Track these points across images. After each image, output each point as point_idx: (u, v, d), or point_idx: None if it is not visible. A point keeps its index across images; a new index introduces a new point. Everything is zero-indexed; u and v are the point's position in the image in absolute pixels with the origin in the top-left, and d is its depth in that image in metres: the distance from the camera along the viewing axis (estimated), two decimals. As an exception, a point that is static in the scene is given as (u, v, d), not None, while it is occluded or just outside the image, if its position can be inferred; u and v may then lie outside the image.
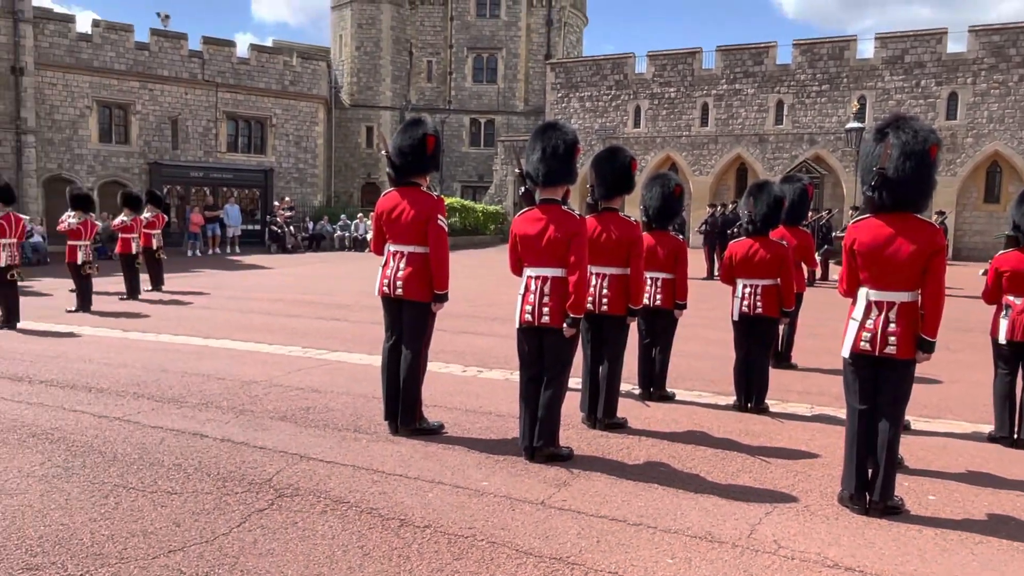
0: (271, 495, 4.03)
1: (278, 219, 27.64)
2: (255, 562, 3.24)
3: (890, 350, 3.95)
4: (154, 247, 14.00)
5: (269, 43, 35.11)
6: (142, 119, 28.52)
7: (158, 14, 31.35)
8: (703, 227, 20.28)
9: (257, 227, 28.92)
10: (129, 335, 9.31)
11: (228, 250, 26.14)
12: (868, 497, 4.00)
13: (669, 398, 6.47)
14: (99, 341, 8.86)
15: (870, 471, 4.03)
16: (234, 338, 9.05)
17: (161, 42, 28.90)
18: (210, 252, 25.44)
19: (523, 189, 4.91)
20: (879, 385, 4.03)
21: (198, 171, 29.35)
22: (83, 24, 29.18)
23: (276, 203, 29.10)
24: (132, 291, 13.09)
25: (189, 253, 24.45)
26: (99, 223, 14.83)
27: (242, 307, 12.14)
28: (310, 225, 29.91)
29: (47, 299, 12.89)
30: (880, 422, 4.00)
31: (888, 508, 3.98)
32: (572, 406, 5.52)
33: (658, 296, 6.38)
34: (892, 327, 3.95)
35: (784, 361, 8.02)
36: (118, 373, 6.98)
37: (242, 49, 31.61)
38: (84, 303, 11.43)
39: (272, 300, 13.11)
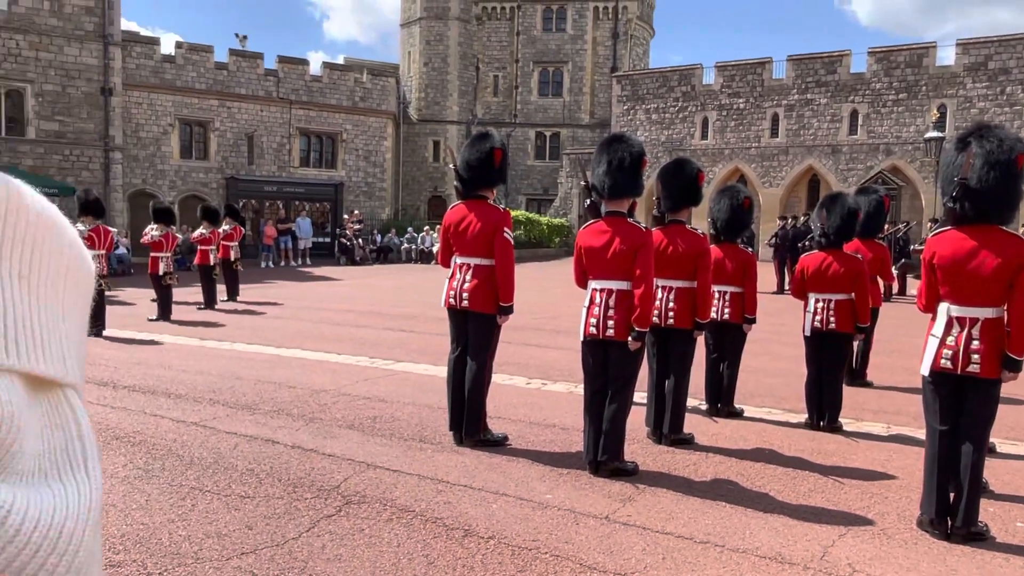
0: (339, 502, 4.10)
1: (347, 232, 28.28)
2: (323, 567, 3.31)
3: (973, 368, 3.78)
4: (231, 259, 14.50)
5: (340, 60, 36.11)
6: (220, 136, 29.66)
7: (236, 35, 32.71)
8: (773, 240, 19.83)
9: (327, 240, 29.68)
10: (206, 343, 9.65)
11: (299, 262, 26.88)
12: (950, 522, 3.82)
13: (737, 414, 6.33)
14: (178, 349, 9.21)
15: (952, 495, 3.86)
16: (304, 347, 9.28)
17: (239, 62, 30.04)
18: (282, 264, 26.20)
19: (588, 201, 4.91)
20: (962, 405, 3.86)
21: (272, 185, 30.33)
22: (167, 46, 30.56)
23: (346, 216, 29.79)
24: (209, 301, 13.58)
25: (263, 264, 25.23)
26: (179, 236, 15.44)
27: (312, 317, 12.45)
28: (378, 238, 30.51)
29: (130, 308, 13.48)
30: (963, 444, 3.83)
31: (971, 534, 3.79)
32: (637, 421, 5.46)
33: (726, 310, 6.27)
34: (975, 344, 3.78)
35: (859, 378, 7.75)
36: (195, 380, 7.25)
37: (315, 67, 32.58)
38: (164, 312, 11.92)
39: (341, 311, 13.41)
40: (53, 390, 0.42)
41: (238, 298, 14.58)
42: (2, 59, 22.93)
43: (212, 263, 13.62)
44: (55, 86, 23.87)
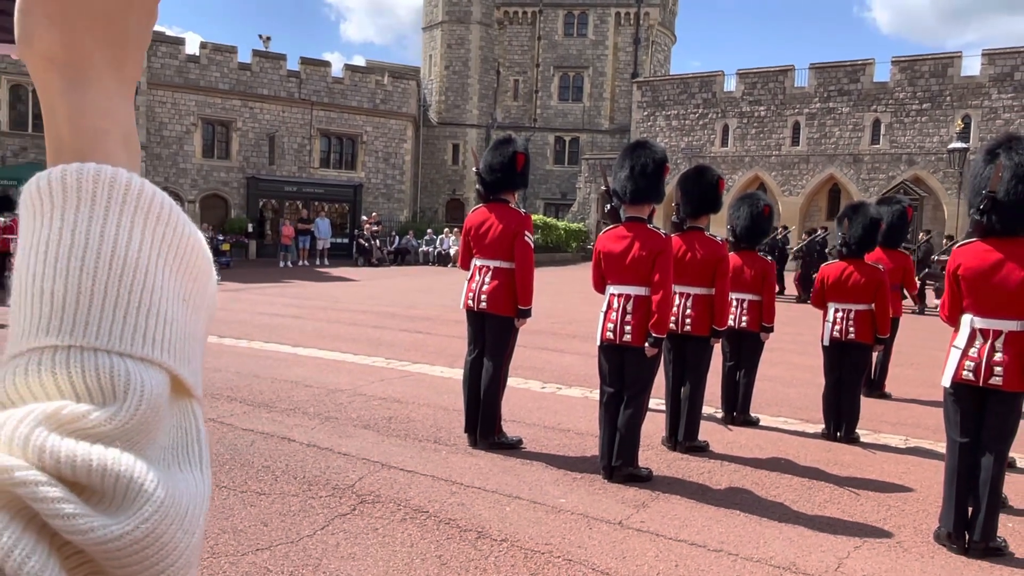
0: (353, 500, 4.13)
1: (366, 233, 28.42)
2: (337, 565, 3.33)
3: (996, 381, 3.74)
4: None
5: (357, 61, 36.49)
6: (242, 135, 29.93)
7: (260, 36, 32.94)
8: (798, 251, 19.67)
9: (345, 240, 29.83)
10: (224, 341, 9.74)
11: (317, 262, 27.03)
12: (968, 536, 3.78)
13: (753, 423, 6.30)
14: (197, 345, 9.27)
15: (970, 509, 3.81)
16: (321, 347, 9.33)
17: (262, 62, 30.31)
18: (300, 263, 26.37)
19: (609, 206, 4.91)
20: (983, 418, 3.82)
21: (292, 186, 30.55)
22: (191, 46, 30.91)
23: (364, 218, 29.95)
24: None
25: (281, 264, 25.40)
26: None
27: (329, 317, 12.52)
28: (396, 239, 30.64)
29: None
30: (983, 457, 3.79)
31: (989, 549, 3.75)
32: (653, 427, 5.44)
33: (744, 317, 6.24)
34: (998, 356, 3.74)
35: (877, 390, 7.68)
36: (213, 377, 7.31)
37: (336, 69, 32.81)
38: None
39: (358, 311, 13.47)
40: (183, 399, 0.48)
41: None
42: (30, 57, 23.32)
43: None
44: (81, 84, 24.23)
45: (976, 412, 3.84)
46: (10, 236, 13.77)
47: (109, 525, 0.39)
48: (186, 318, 0.48)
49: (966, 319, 3.88)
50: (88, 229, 0.45)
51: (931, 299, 16.12)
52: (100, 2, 0.49)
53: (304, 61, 31.41)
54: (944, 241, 19.70)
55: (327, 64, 32.30)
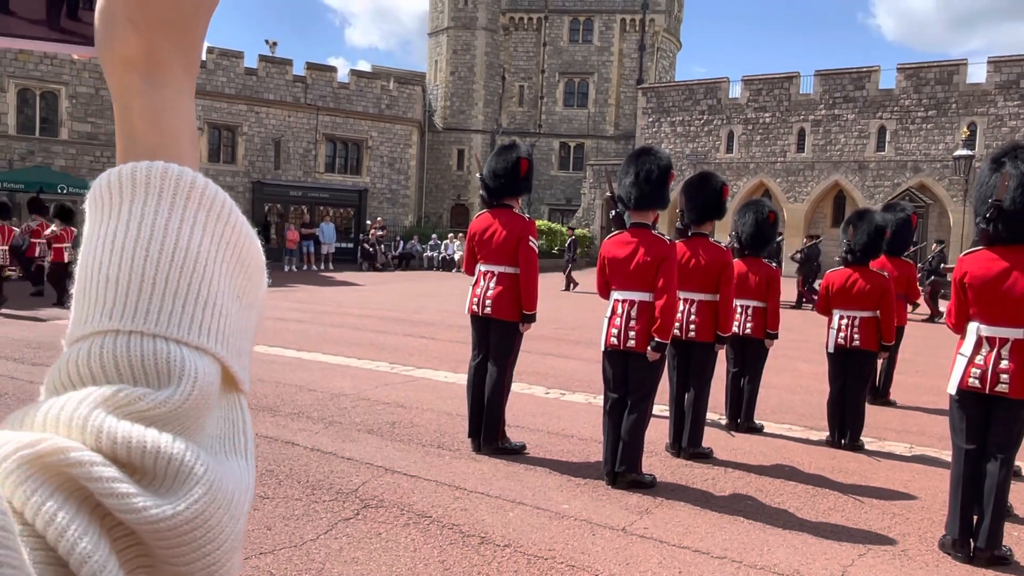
0: (357, 505, 4.13)
1: (370, 238, 28.46)
2: (340, 569, 3.33)
3: (1002, 388, 3.73)
4: (65, 260, 14.12)
5: (361, 66, 36.64)
6: (248, 140, 30.03)
7: (266, 41, 33.03)
8: (798, 255, 19.64)
9: (350, 245, 29.87)
10: (229, 345, 9.74)
11: (322, 266, 27.08)
12: (973, 544, 3.76)
13: (757, 430, 6.28)
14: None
15: (975, 517, 3.80)
16: (325, 351, 9.35)
17: (268, 68, 30.43)
18: (305, 268, 26.41)
19: (613, 212, 4.92)
20: (989, 425, 3.81)
21: (297, 190, 30.62)
22: (198, 51, 30.96)
23: (369, 222, 30.01)
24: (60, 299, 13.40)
25: (286, 268, 25.45)
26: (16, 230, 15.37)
27: (334, 322, 12.53)
28: (400, 244, 30.67)
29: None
30: (989, 465, 3.78)
31: (995, 558, 3.73)
32: (656, 433, 5.43)
33: (748, 324, 6.23)
34: (1004, 364, 3.73)
35: (882, 397, 7.66)
36: (218, 380, 7.31)
37: (342, 74, 32.91)
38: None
39: (362, 316, 13.49)
40: (232, 392, 0.50)
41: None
42: (38, 61, 23.42)
43: (67, 260, 13.33)
44: (88, 88, 24.33)
45: (982, 420, 3.83)
46: (36, 240, 13.81)
47: (161, 505, 0.41)
48: (239, 314, 0.50)
49: (972, 327, 3.88)
50: (154, 222, 0.47)
51: (943, 306, 16.09)
52: (176, 8, 0.53)
53: (310, 66, 31.53)
54: (933, 246, 19.60)
55: (333, 69, 32.42)
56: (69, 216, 13.80)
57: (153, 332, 0.45)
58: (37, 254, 13.81)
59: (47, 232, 13.58)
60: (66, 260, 13.41)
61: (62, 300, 12.95)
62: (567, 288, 20.98)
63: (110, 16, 0.52)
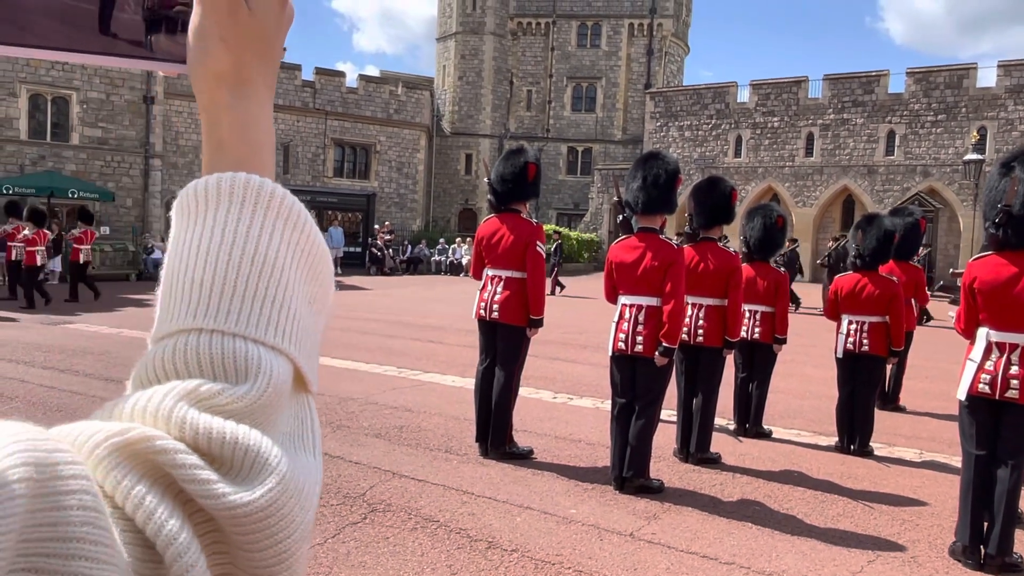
0: (364, 509, 4.13)
1: (379, 242, 28.53)
2: (348, 573, 3.33)
3: (1012, 394, 3.70)
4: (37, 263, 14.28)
5: (369, 71, 36.75)
6: (257, 145, 30.12)
7: (276, 46, 33.18)
8: (826, 259, 19.41)
9: (358, 249, 29.95)
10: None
11: (330, 271, 27.09)
12: (983, 551, 3.74)
13: (765, 435, 6.26)
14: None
15: (986, 523, 3.77)
16: (333, 355, 9.36)
17: (278, 72, 30.52)
18: (313, 272, 26.41)
19: (621, 217, 4.92)
20: (999, 431, 3.78)
21: (306, 195, 30.60)
22: (208, 56, 31.16)
23: (377, 227, 30.09)
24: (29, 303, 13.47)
25: (294, 272, 25.47)
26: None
27: (341, 326, 12.56)
28: (408, 248, 30.73)
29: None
30: (999, 470, 3.75)
31: (1006, 565, 3.71)
32: (664, 438, 5.42)
33: (756, 329, 6.22)
34: (1014, 370, 3.71)
35: (891, 403, 7.61)
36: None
37: (350, 78, 33.03)
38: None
39: (370, 320, 13.51)
40: (301, 393, 0.53)
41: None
42: (50, 67, 23.57)
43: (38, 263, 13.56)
44: (99, 94, 24.48)
45: (992, 425, 3.81)
46: (12, 243, 13.87)
47: (239, 492, 0.43)
48: (310, 318, 0.53)
49: (982, 332, 3.86)
50: (236, 228, 0.50)
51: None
52: (261, 28, 0.58)
53: (319, 71, 31.67)
54: (921, 249, 19.41)
55: (342, 74, 32.57)
56: (41, 219, 13.92)
57: (233, 331, 0.48)
58: (14, 258, 13.82)
59: (20, 236, 13.65)
60: (38, 263, 13.57)
61: (31, 303, 13.07)
62: (552, 292, 20.63)
63: (204, 35, 0.56)
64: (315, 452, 0.52)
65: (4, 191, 20.75)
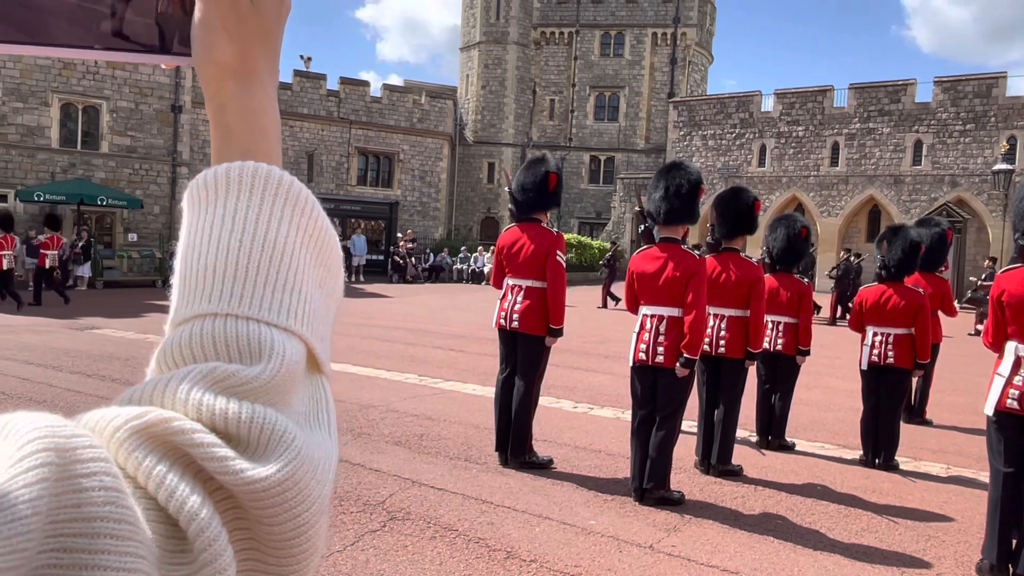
0: (384, 517, 4.14)
1: (401, 250, 28.67)
2: (366, 581, 3.34)
3: (1040, 410, 3.63)
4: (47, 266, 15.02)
5: (392, 80, 37.07)
6: (282, 154, 30.44)
7: (301, 56, 33.59)
8: (835, 271, 19.31)
9: (381, 257, 30.13)
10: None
11: (352, 278, 27.30)
12: (1012, 569, 3.66)
13: (788, 448, 6.19)
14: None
15: (1014, 541, 3.70)
16: (354, 363, 9.41)
17: (303, 82, 30.90)
18: (336, 280, 26.58)
19: (643, 227, 4.90)
20: (1027, 448, 3.71)
21: (329, 203, 30.94)
22: (235, 66, 31.55)
23: (399, 235, 30.24)
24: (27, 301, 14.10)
25: (317, 280, 25.65)
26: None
27: (363, 333, 12.62)
28: (430, 257, 30.84)
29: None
30: (1027, 488, 3.67)
31: (1035, 584, 3.62)
32: (685, 449, 5.38)
33: (779, 340, 6.16)
34: (1043, 385, 3.63)
35: (917, 416, 7.50)
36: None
37: (375, 88, 33.30)
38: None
39: (391, 328, 13.57)
40: (315, 374, 0.54)
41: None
42: (81, 77, 24.03)
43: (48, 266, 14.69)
44: (129, 103, 24.90)
45: (1020, 441, 3.74)
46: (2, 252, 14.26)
47: (256, 467, 0.45)
48: (320, 301, 0.55)
49: (1010, 346, 3.79)
50: (246, 215, 0.52)
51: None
52: (264, 20, 0.59)
53: (343, 81, 31.95)
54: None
55: (366, 84, 32.83)
56: (9, 223, 14.39)
57: (246, 315, 0.50)
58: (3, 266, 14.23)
59: None
60: (4, 267, 14.04)
61: None
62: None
63: (209, 27, 0.58)
64: (330, 430, 0.53)
65: (36, 198, 21.19)
